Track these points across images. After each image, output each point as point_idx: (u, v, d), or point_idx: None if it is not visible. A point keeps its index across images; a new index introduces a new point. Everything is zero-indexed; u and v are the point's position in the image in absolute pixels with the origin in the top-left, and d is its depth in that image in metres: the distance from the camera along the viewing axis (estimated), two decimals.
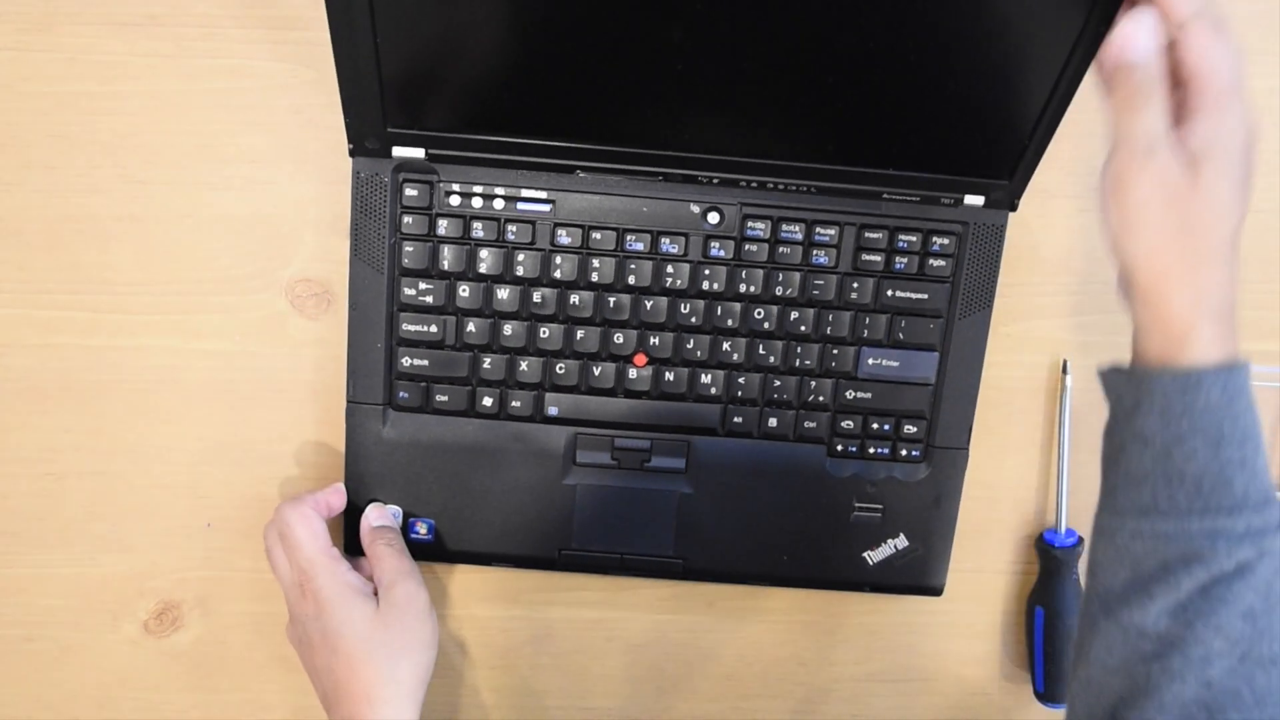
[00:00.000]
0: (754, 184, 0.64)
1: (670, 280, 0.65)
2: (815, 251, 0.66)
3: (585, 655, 0.74)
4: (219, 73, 0.66)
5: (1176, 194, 0.50)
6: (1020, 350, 0.71)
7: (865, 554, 0.69)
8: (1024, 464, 0.72)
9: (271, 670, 0.73)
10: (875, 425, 0.68)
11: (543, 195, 0.64)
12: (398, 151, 0.62)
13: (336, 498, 0.66)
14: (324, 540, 0.63)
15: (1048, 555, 0.71)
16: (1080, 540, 0.71)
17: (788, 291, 0.66)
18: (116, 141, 0.66)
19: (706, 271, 0.65)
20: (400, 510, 0.67)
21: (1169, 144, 0.50)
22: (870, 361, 0.67)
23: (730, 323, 0.66)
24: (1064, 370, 0.70)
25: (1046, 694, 0.72)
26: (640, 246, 0.65)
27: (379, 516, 0.67)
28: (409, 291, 0.65)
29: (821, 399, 0.67)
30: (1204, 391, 0.49)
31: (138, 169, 0.67)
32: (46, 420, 0.69)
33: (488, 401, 0.67)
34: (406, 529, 0.67)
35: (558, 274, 0.65)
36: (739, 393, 0.67)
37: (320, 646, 0.61)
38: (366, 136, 0.61)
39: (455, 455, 0.67)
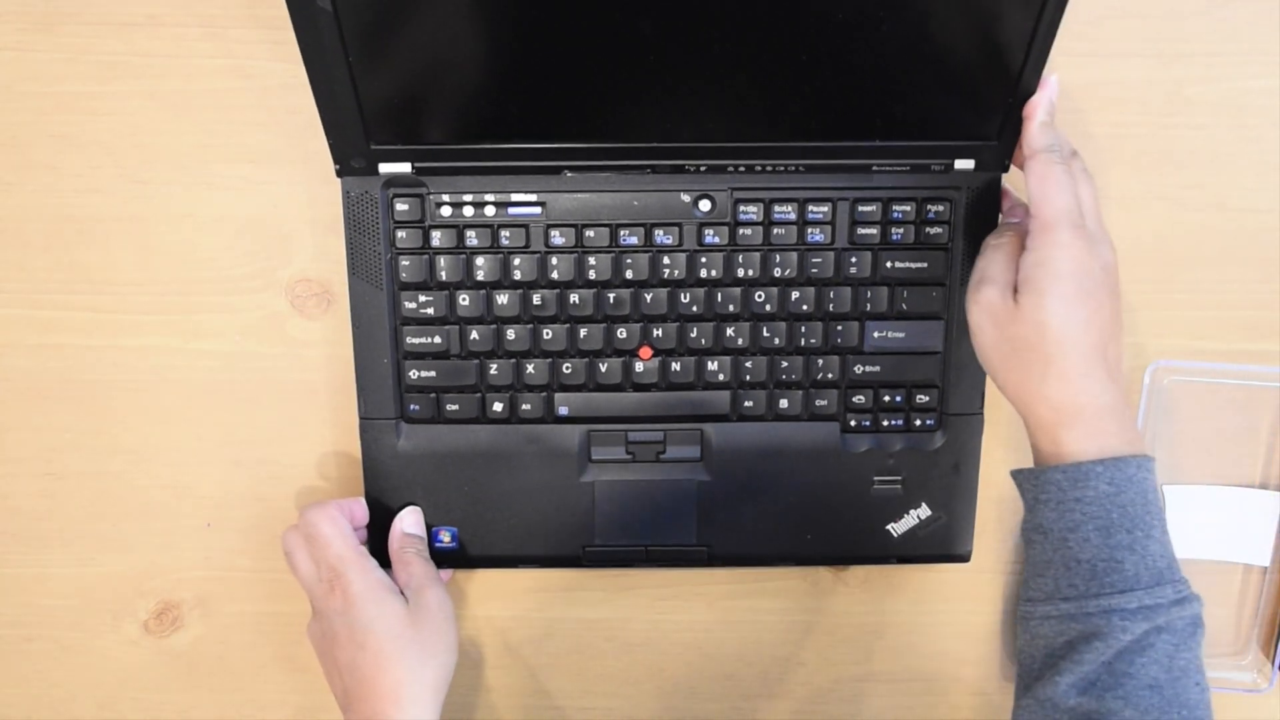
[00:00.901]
0: (742, 168, 0.64)
1: (668, 271, 0.66)
2: (810, 230, 0.65)
3: (585, 655, 0.74)
4: (219, 73, 0.67)
5: (999, 319, 0.58)
6: None
7: (889, 526, 0.69)
8: (1024, 464, 0.70)
9: (271, 670, 0.74)
10: (887, 397, 0.68)
11: (532, 198, 0.64)
12: (384, 168, 0.63)
13: (360, 509, 0.67)
14: (353, 539, 0.63)
15: None
16: None
17: (786, 272, 0.66)
18: (116, 141, 0.67)
19: (703, 259, 0.66)
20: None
21: (1001, 279, 0.58)
22: (876, 335, 0.67)
23: (732, 308, 0.66)
24: None
25: None
26: (635, 240, 0.65)
27: (413, 523, 0.67)
28: (410, 305, 0.65)
29: (830, 376, 0.67)
30: (1092, 484, 0.55)
31: (138, 169, 0.68)
32: (46, 420, 0.70)
33: (498, 407, 0.67)
34: (430, 539, 0.68)
35: (555, 275, 0.65)
36: (747, 377, 0.67)
37: (346, 642, 0.61)
38: (351, 156, 0.62)
39: (471, 462, 0.68)
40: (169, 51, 0.66)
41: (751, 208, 0.65)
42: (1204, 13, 0.66)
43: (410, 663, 0.60)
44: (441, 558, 0.68)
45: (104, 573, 0.72)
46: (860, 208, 0.65)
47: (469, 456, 0.67)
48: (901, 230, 0.65)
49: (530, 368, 0.67)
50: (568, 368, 0.67)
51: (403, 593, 0.64)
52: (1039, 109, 0.59)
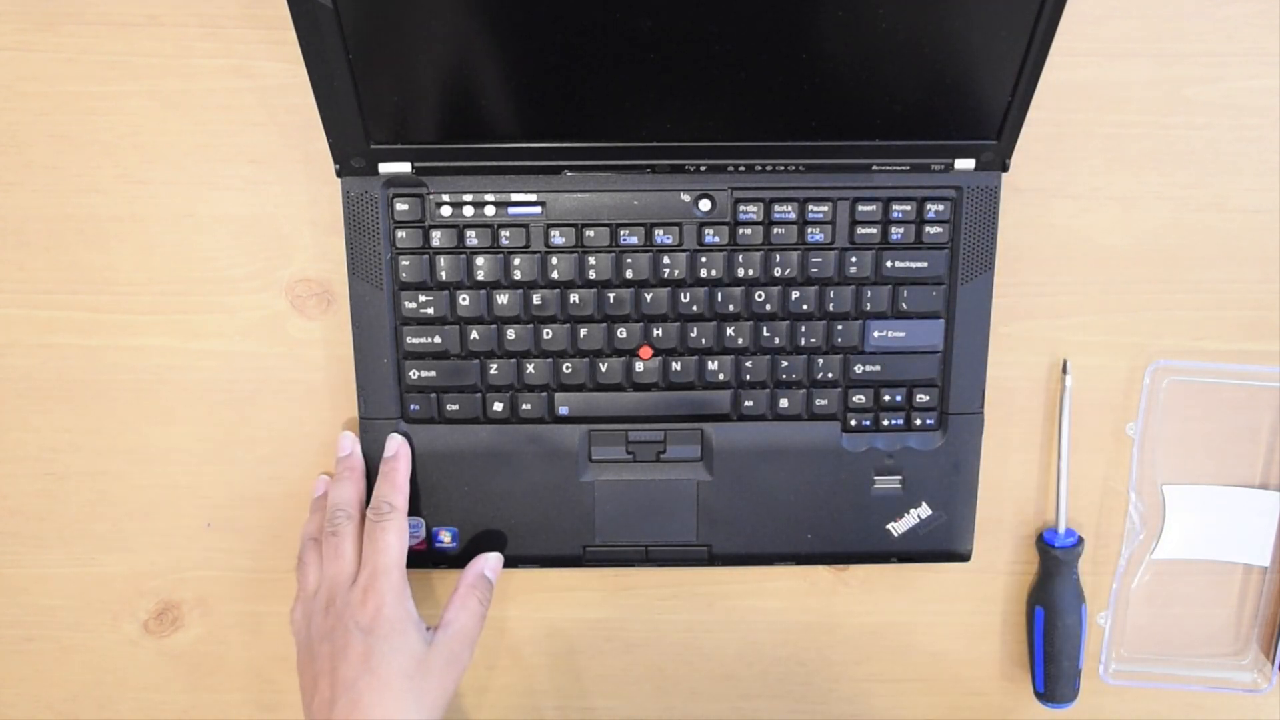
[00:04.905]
0: (742, 168, 0.64)
1: (668, 271, 0.66)
2: (810, 229, 0.65)
3: (584, 655, 0.74)
4: (219, 73, 0.66)
5: None
6: (1020, 350, 0.70)
7: (889, 526, 0.69)
8: (1024, 464, 0.71)
9: (271, 670, 0.74)
10: (887, 397, 0.68)
11: (532, 198, 0.64)
12: (384, 168, 0.63)
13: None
14: (404, 560, 0.63)
15: (1047, 555, 0.71)
16: (1080, 540, 0.71)
17: (786, 272, 0.66)
18: (116, 141, 0.67)
19: (703, 259, 0.66)
20: (422, 521, 0.68)
21: None
22: (876, 334, 0.67)
23: (732, 308, 0.66)
24: (1064, 370, 0.69)
25: (1046, 694, 0.72)
26: (635, 240, 0.65)
27: (494, 570, 0.67)
28: (410, 305, 0.65)
29: (831, 375, 0.67)
30: None
31: (138, 169, 0.67)
32: (46, 420, 0.70)
33: (498, 407, 0.67)
34: (430, 539, 0.68)
35: (555, 274, 0.65)
36: (748, 376, 0.67)
37: (356, 658, 0.59)
38: (352, 156, 0.62)
39: (472, 462, 0.68)
40: (169, 51, 0.66)
41: (751, 207, 0.65)
42: (1204, 13, 0.66)
43: (408, 705, 0.59)
44: (441, 558, 0.68)
45: (104, 573, 0.72)
46: (860, 207, 0.65)
47: (469, 457, 0.67)
48: (902, 230, 0.65)
49: (530, 368, 0.67)
50: (568, 367, 0.67)
51: (436, 626, 0.63)
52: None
